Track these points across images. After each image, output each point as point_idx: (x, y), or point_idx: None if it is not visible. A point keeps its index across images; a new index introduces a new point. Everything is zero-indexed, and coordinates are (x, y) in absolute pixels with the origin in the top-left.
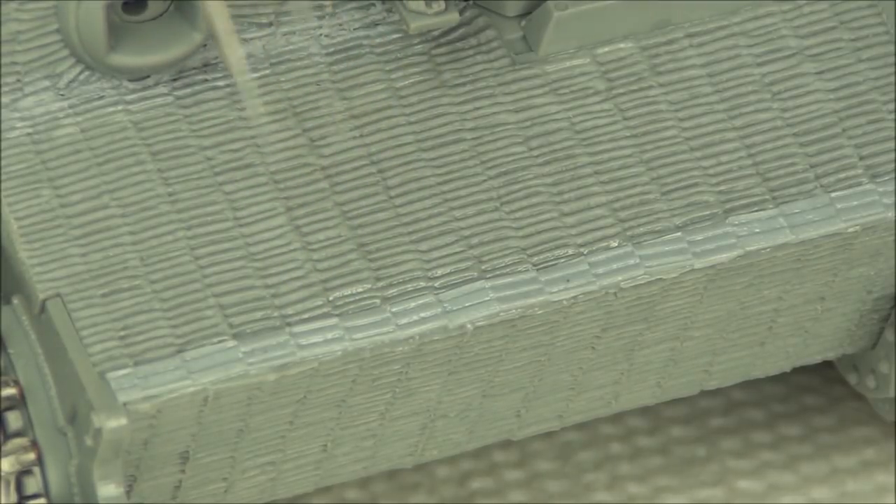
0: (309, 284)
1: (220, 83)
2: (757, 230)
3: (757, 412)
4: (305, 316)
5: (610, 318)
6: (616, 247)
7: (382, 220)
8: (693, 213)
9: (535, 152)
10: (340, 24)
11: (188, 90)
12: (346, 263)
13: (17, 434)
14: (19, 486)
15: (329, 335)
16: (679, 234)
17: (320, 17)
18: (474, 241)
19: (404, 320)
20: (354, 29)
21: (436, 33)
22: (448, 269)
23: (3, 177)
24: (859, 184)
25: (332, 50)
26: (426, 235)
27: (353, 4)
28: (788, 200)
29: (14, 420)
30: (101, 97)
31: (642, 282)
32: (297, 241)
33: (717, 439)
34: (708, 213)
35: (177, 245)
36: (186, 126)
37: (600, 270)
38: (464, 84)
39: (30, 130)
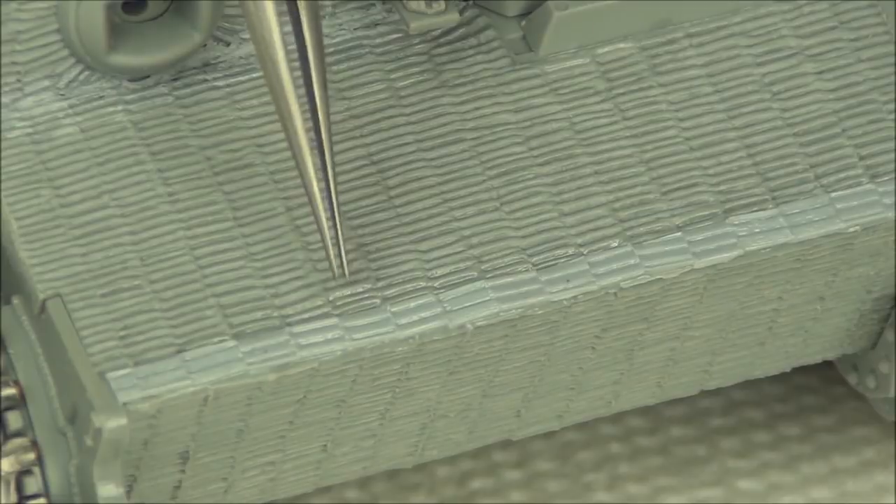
0: (309, 284)
1: (220, 83)
2: (757, 230)
3: (757, 412)
4: (305, 316)
5: (610, 318)
6: (616, 247)
7: (382, 220)
8: (693, 213)
9: (535, 152)
10: (340, 24)
11: (188, 90)
12: (346, 263)
13: (17, 434)
14: (19, 486)
15: (329, 335)
16: (679, 234)
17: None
18: (474, 241)
19: (404, 320)
20: (354, 29)
21: (436, 33)
22: (448, 269)
23: (3, 177)
24: (859, 184)
25: (332, 50)
26: (426, 235)
27: (353, 4)
28: (788, 200)
29: (14, 420)
30: (101, 97)
31: (642, 282)
32: (297, 241)
33: (717, 439)
34: (708, 213)
35: (177, 245)
36: (186, 126)
37: (600, 270)
38: (464, 84)
39: (30, 130)
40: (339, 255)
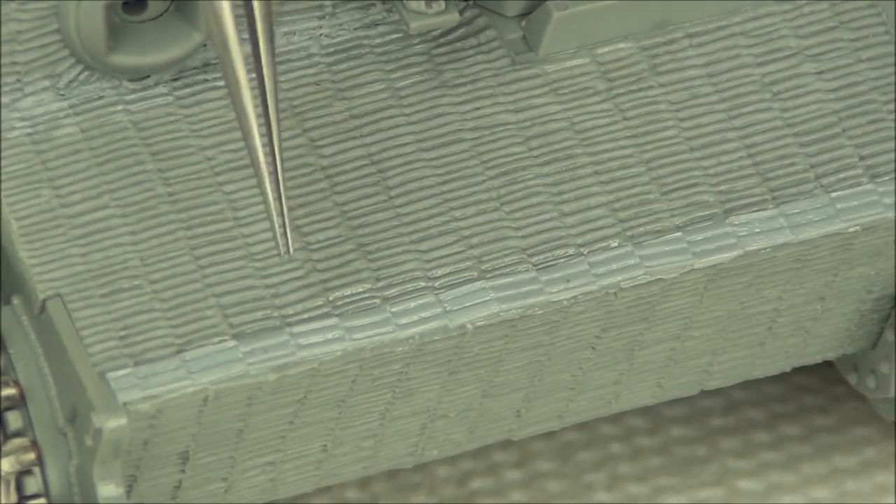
0: (309, 284)
1: (220, 83)
2: (757, 230)
3: (757, 412)
4: (305, 316)
5: (610, 318)
6: (616, 247)
7: (382, 221)
8: (693, 213)
9: (535, 152)
10: (340, 24)
11: (188, 90)
12: (346, 263)
13: (17, 434)
14: (19, 486)
15: (329, 335)
16: (679, 234)
17: (320, 17)
18: (474, 241)
19: (404, 320)
20: (354, 29)
21: (436, 33)
22: (448, 269)
23: (3, 177)
24: (859, 184)
25: (332, 50)
26: (426, 235)
27: (353, 4)
28: (788, 200)
29: (14, 420)
30: (101, 97)
31: (642, 282)
32: (297, 241)
33: (717, 439)
34: (708, 213)
35: (177, 245)
36: (186, 126)
37: (600, 270)
38: (464, 84)
39: (30, 130)
40: (285, 233)
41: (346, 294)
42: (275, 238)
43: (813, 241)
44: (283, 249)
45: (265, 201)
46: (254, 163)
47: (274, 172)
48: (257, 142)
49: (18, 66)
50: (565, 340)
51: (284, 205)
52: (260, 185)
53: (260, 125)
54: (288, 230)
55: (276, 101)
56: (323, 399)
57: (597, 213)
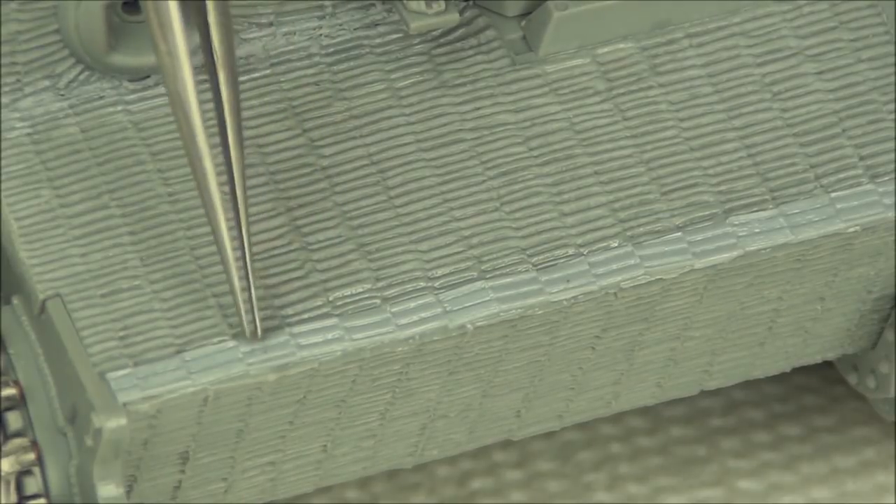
0: (309, 284)
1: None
2: (757, 230)
3: (757, 412)
4: (305, 316)
5: (610, 318)
6: (616, 247)
7: (382, 221)
8: (693, 213)
9: (535, 152)
10: (340, 24)
11: None
12: (346, 264)
13: (17, 434)
14: (19, 487)
15: (329, 335)
16: (679, 234)
17: (320, 17)
18: (474, 241)
19: (404, 320)
20: (354, 29)
21: (436, 33)
22: (448, 270)
23: (3, 177)
24: (859, 184)
25: (332, 50)
26: (426, 235)
27: (353, 4)
28: (788, 200)
29: (14, 420)
30: (101, 97)
31: (642, 282)
32: (297, 241)
33: (717, 439)
34: (708, 213)
35: (177, 245)
36: None
37: (600, 270)
38: (464, 84)
39: (30, 130)
40: (252, 317)
41: (346, 294)
42: (240, 322)
43: (813, 242)
44: (249, 333)
45: (231, 288)
46: (220, 249)
47: (242, 256)
48: (224, 232)
49: (18, 66)
50: (565, 340)
51: (253, 291)
52: (226, 270)
53: (227, 210)
54: (256, 315)
55: (244, 186)
56: (323, 399)
57: (597, 213)
